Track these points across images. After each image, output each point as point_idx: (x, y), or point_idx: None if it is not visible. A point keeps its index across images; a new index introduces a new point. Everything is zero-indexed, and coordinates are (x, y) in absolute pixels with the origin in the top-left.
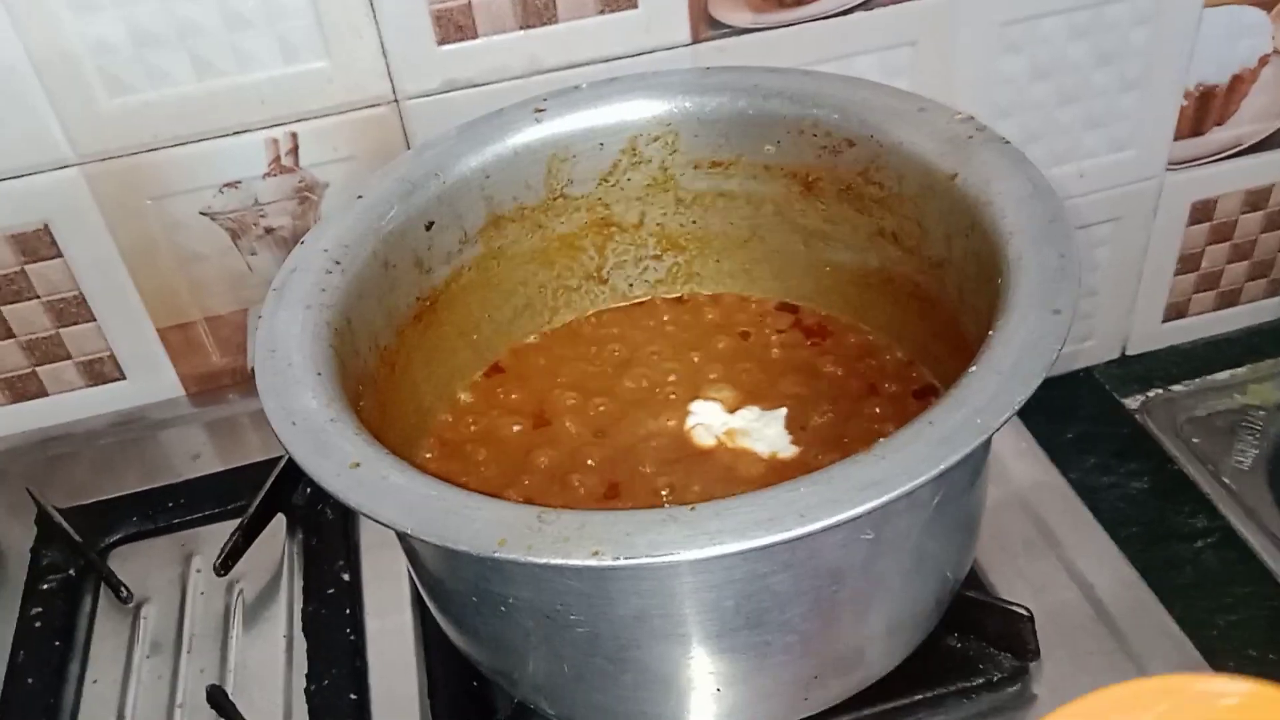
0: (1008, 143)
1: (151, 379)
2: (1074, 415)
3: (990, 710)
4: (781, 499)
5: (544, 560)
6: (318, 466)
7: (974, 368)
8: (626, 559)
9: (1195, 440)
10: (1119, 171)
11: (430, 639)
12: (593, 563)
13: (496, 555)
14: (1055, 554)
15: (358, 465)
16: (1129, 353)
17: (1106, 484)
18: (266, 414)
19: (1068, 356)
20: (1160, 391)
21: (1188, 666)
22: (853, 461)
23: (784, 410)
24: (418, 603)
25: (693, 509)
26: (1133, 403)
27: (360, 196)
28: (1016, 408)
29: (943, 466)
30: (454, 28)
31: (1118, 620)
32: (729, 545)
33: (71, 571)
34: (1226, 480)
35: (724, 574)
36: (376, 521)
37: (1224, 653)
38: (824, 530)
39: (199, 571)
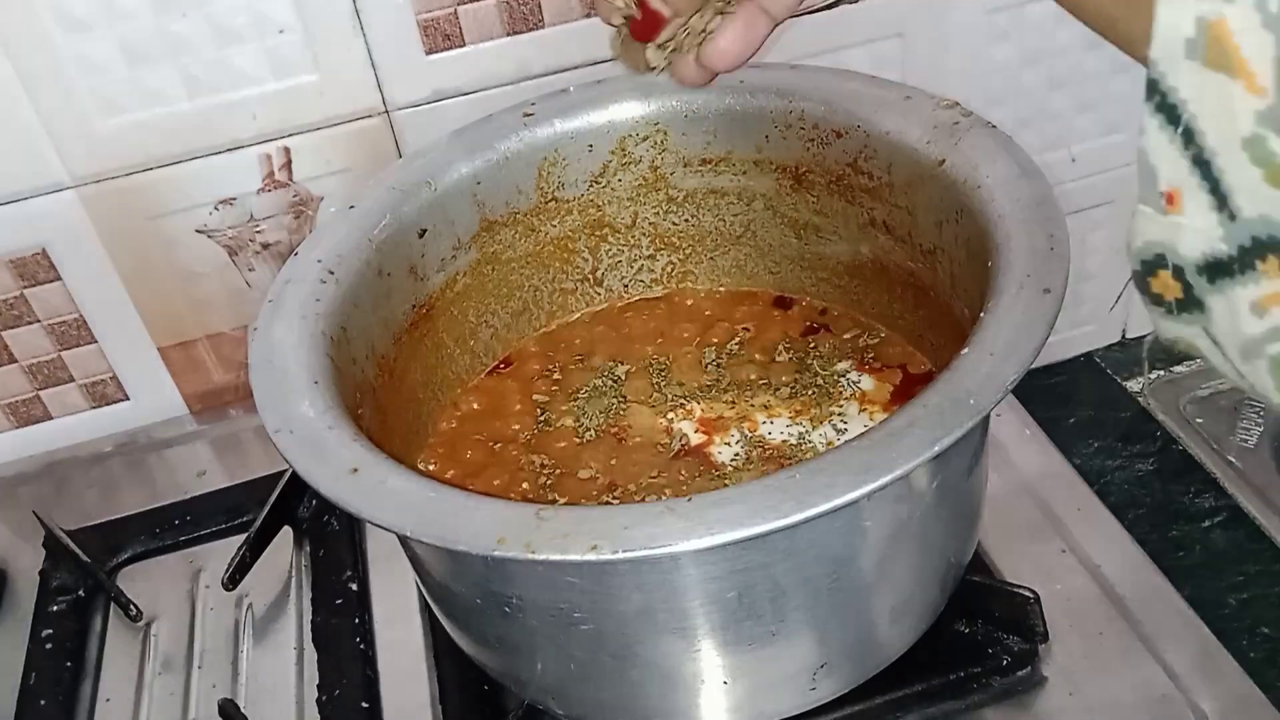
0: (994, 127)
1: (155, 398)
2: (1076, 400)
3: (1001, 694)
4: (779, 487)
5: (543, 557)
6: (316, 473)
7: (966, 349)
8: (625, 552)
9: (1199, 420)
10: (1111, 154)
11: (440, 645)
12: (592, 557)
13: (496, 554)
14: (1062, 538)
15: (356, 471)
16: (1129, 335)
17: (1112, 467)
18: (264, 424)
19: (1068, 341)
20: (1162, 373)
21: (1199, 646)
22: (849, 447)
23: (784, 403)
24: (426, 610)
25: (690, 500)
26: (1135, 385)
27: (352, 206)
28: (1009, 387)
29: (938, 448)
30: (441, 37)
31: (1127, 602)
32: (727, 535)
33: (81, 592)
34: (1232, 459)
35: (725, 565)
36: (376, 525)
37: (1236, 632)
38: (822, 516)
39: (208, 587)
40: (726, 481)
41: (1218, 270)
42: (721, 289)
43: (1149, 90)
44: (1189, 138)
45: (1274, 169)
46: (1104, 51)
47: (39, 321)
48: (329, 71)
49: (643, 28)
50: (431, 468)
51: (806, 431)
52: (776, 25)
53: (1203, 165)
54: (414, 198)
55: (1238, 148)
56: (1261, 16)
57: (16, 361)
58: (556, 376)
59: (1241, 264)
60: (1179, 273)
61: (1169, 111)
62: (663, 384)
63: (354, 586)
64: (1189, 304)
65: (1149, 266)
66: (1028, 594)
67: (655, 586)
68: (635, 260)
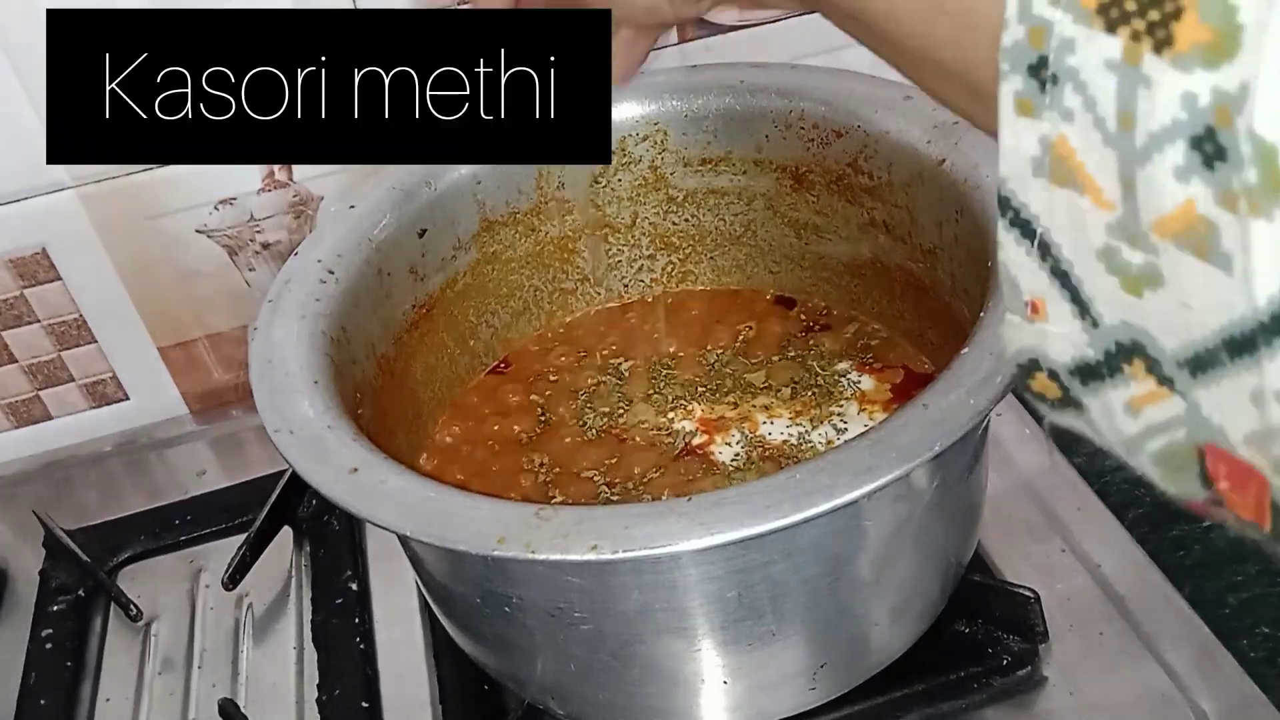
0: None
1: (155, 398)
2: None
3: (1001, 694)
4: (778, 487)
5: (543, 557)
6: (316, 474)
7: (966, 349)
8: (625, 552)
9: None
10: None
11: (440, 645)
12: (592, 557)
13: (496, 554)
14: (1062, 538)
15: (356, 471)
16: None
17: (1111, 467)
18: (264, 423)
19: None
20: None
21: (1199, 646)
22: (848, 447)
23: (784, 403)
24: (426, 610)
25: (690, 500)
26: None
27: (352, 206)
28: (1009, 388)
29: (938, 448)
30: None
31: (1128, 601)
32: (726, 534)
33: (81, 592)
34: None
35: (725, 564)
36: (376, 525)
37: (1236, 632)
38: (822, 516)
39: (208, 587)
40: (727, 481)
41: (1088, 374)
42: (722, 288)
43: (1001, 206)
44: (1045, 250)
45: (1128, 278)
46: None
47: (39, 321)
48: None
49: None
50: (430, 465)
51: (806, 431)
52: (658, 31)
53: (1061, 275)
54: (414, 198)
55: (1093, 259)
56: (1102, 134)
57: (16, 361)
58: (555, 377)
59: (1109, 368)
60: (1054, 375)
61: (1023, 226)
62: (663, 384)
63: (354, 586)
64: (1068, 403)
65: (1025, 370)
66: (1028, 594)
67: (655, 586)
68: (635, 260)
